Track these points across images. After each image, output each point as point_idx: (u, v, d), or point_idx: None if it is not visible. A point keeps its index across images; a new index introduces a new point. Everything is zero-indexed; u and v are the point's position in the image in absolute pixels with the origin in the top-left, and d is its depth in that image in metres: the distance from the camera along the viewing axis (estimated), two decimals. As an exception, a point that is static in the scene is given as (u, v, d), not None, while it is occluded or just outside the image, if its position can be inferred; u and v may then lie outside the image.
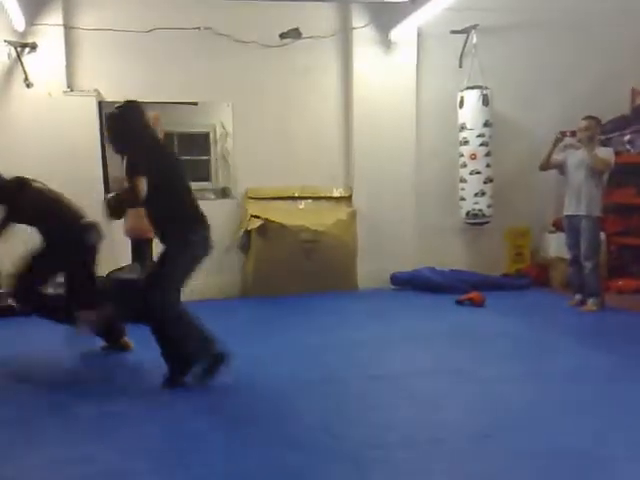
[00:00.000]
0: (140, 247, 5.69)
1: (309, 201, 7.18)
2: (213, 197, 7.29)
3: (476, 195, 7.10)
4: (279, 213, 6.83)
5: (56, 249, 4.44)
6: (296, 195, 7.13)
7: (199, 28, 6.68)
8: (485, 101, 7.01)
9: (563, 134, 6.11)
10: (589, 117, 5.91)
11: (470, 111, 7.06)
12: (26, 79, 6.28)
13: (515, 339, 4.97)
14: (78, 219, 4.58)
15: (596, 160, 5.75)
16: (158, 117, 5.76)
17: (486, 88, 7.03)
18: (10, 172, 6.14)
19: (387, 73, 7.19)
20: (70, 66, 6.50)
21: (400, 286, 7.20)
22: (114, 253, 6.01)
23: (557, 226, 7.05)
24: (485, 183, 7.10)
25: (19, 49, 6.23)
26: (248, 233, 6.73)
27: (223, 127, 7.28)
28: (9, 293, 4.80)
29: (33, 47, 6.30)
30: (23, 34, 6.24)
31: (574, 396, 3.57)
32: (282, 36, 6.94)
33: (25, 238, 4.54)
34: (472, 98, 7.04)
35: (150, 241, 5.69)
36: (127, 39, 6.51)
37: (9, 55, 6.26)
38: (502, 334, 5.14)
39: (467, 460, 2.75)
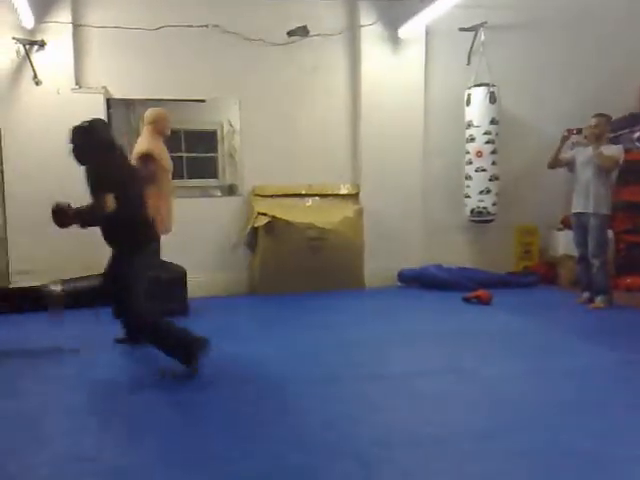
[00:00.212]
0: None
1: (316, 198, 7.18)
2: (220, 194, 7.31)
3: (481, 193, 7.08)
4: (286, 210, 6.83)
5: None
6: (303, 192, 7.12)
7: (207, 26, 6.69)
8: (492, 98, 6.99)
9: (570, 132, 6.08)
10: (599, 115, 5.88)
11: (477, 108, 7.05)
12: (35, 76, 6.30)
13: (521, 337, 4.96)
14: None
15: (601, 158, 5.72)
16: (166, 115, 5.78)
17: (493, 85, 7.01)
18: (18, 168, 6.27)
19: (395, 71, 7.18)
20: (78, 63, 6.51)
21: (407, 284, 7.20)
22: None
23: (565, 224, 7.02)
24: (491, 180, 7.08)
25: (28, 47, 6.25)
26: (255, 230, 6.73)
27: (230, 124, 7.28)
28: None
29: (42, 45, 6.32)
30: (32, 32, 6.25)
31: (579, 395, 3.56)
32: (290, 34, 6.94)
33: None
34: (479, 95, 7.02)
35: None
36: (135, 36, 6.53)
37: (18, 53, 6.27)
38: (508, 332, 5.13)
39: (470, 460, 2.74)
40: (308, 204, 7.13)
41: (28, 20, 6.05)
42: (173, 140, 6.21)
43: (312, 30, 6.96)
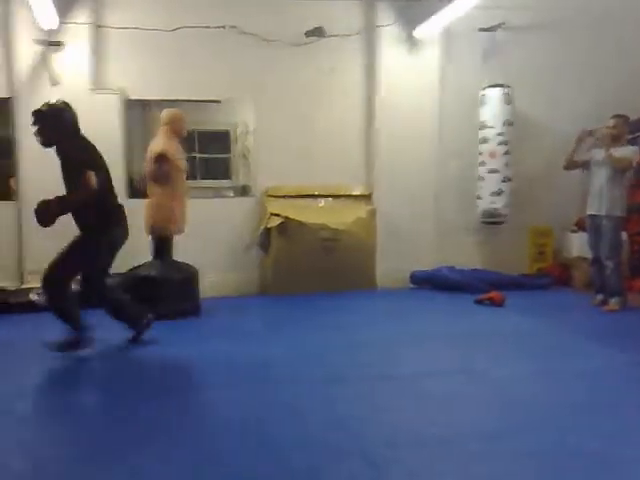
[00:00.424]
0: (161, 244, 5.77)
1: (329, 199, 7.18)
2: (233, 195, 7.35)
3: (493, 194, 7.06)
4: (299, 211, 6.85)
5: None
6: (316, 193, 7.14)
7: (224, 27, 6.72)
8: (507, 99, 6.97)
9: (586, 133, 6.04)
10: (617, 115, 5.85)
11: (491, 109, 7.03)
12: (53, 77, 6.37)
13: (533, 338, 4.94)
14: None
15: (612, 159, 5.68)
16: (182, 116, 5.84)
17: (508, 87, 6.99)
18: (35, 169, 6.35)
19: (410, 71, 7.18)
20: (96, 64, 6.58)
21: (419, 285, 7.19)
22: (133, 250, 6.15)
23: (579, 226, 6.97)
24: (503, 182, 7.06)
25: (47, 47, 6.33)
26: (268, 231, 6.75)
27: (244, 125, 7.32)
28: None
29: (60, 45, 6.39)
30: (51, 33, 6.32)
31: (590, 396, 3.55)
32: (307, 34, 6.95)
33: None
34: (494, 96, 7.00)
35: (170, 238, 5.79)
36: (152, 37, 6.59)
37: (37, 54, 6.35)
38: (520, 333, 5.11)
39: (476, 460, 2.74)
40: (321, 205, 7.14)
41: (47, 21, 6.13)
42: (187, 141, 6.26)
43: (329, 31, 6.98)
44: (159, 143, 5.67)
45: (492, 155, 7.03)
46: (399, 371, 4.10)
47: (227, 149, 7.50)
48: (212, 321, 5.65)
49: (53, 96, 6.30)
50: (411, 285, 7.22)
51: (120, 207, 4.62)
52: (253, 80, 6.97)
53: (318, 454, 2.81)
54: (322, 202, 7.16)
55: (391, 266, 7.12)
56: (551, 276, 7.30)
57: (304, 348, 4.67)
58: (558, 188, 7.36)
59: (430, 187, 7.33)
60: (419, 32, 7.04)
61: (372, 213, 7.09)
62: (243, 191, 7.31)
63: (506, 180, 7.07)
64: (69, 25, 6.42)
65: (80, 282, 4.57)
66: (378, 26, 7.11)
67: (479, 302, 6.21)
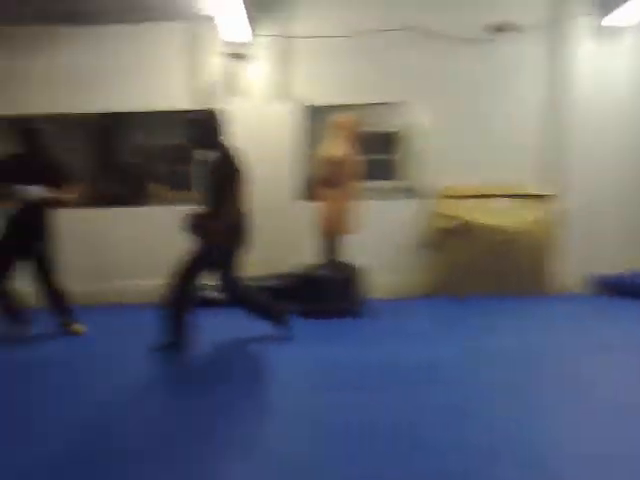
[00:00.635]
0: (330, 245, 5.92)
1: (505, 199, 6.90)
2: (401, 196, 7.32)
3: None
4: (472, 212, 6.69)
5: None
6: (492, 193, 6.88)
7: (401, 29, 6.71)
8: None
9: None
10: None
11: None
12: (240, 88, 6.80)
13: None
14: None
15: None
16: (356, 119, 5.94)
17: None
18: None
19: (606, 65, 6.67)
20: (279, 74, 6.90)
21: (605, 291, 6.64)
22: (303, 250, 6.41)
23: None
24: None
25: (234, 60, 6.78)
26: (439, 232, 6.67)
27: (415, 126, 7.27)
28: None
29: (247, 57, 6.80)
30: (239, 46, 6.76)
31: None
32: (488, 30, 6.74)
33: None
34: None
35: (341, 240, 5.93)
36: (331, 45, 6.76)
37: (226, 66, 6.82)
38: None
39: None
40: (497, 205, 6.87)
41: (234, 35, 6.58)
42: (358, 143, 6.36)
43: (511, 25, 6.71)
44: (332, 146, 5.83)
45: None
46: (572, 381, 3.81)
47: (396, 150, 7.47)
48: (377, 322, 5.63)
49: (239, 107, 6.86)
50: (595, 291, 6.68)
51: (246, 213, 4.68)
52: (426, 79, 6.90)
53: (473, 458, 2.71)
54: (498, 202, 6.89)
55: (572, 270, 6.66)
56: None
57: (473, 351, 4.51)
58: None
59: (628, 188, 6.74)
60: (611, 21, 6.49)
61: (553, 214, 6.68)
62: (412, 192, 7.26)
63: None
64: (255, 38, 6.81)
65: (219, 284, 4.74)
66: (568, 18, 6.67)
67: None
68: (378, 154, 7.29)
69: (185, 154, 7.00)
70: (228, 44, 6.73)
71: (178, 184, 8.37)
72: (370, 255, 6.37)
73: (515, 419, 3.15)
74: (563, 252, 6.64)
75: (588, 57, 6.70)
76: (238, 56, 6.80)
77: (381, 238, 6.77)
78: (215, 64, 6.84)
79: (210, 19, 6.57)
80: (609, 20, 6.50)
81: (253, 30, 6.75)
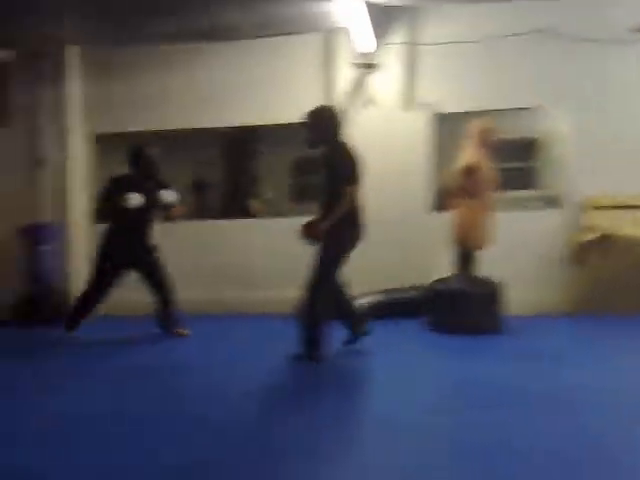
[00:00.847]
0: (465, 258, 5.71)
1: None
2: (541, 206, 6.94)
3: None
4: (621, 223, 6.21)
5: None
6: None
7: (536, 31, 6.37)
8: None
9: None
10: None
11: None
12: (368, 97, 6.73)
13: None
14: None
15: None
16: (491, 126, 5.73)
17: None
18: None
19: None
20: (408, 82, 6.76)
21: None
22: (435, 263, 6.22)
23: None
24: None
25: (364, 70, 6.73)
26: (583, 245, 6.23)
27: (555, 132, 6.88)
28: None
29: (376, 67, 6.72)
30: (368, 55, 6.70)
31: None
32: (632, 31, 6.23)
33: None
34: None
35: (476, 252, 5.68)
36: (461, 50, 6.56)
37: (355, 76, 6.78)
38: None
39: None
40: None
41: (366, 45, 6.55)
42: (494, 151, 6.10)
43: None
44: (468, 155, 5.65)
45: None
46: None
47: (533, 157, 7.11)
48: (514, 340, 5.35)
49: (368, 116, 6.79)
50: None
51: (359, 209, 4.64)
52: (567, 84, 6.51)
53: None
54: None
55: None
56: None
57: (616, 375, 4.11)
58: None
59: None
60: None
61: None
62: (552, 202, 6.84)
63: None
64: (384, 47, 6.73)
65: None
66: None
67: None
68: (516, 162, 6.93)
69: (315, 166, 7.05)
70: (358, 54, 6.69)
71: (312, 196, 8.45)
72: (507, 269, 6.02)
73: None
74: None
75: None
76: (368, 66, 6.75)
77: (519, 251, 6.42)
78: (346, 75, 6.81)
79: (340, 30, 6.58)
80: None
81: (381, 39, 6.68)
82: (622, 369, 4.30)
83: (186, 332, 5.71)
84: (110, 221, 5.56)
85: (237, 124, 7.47)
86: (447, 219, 5.84)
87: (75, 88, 7.23)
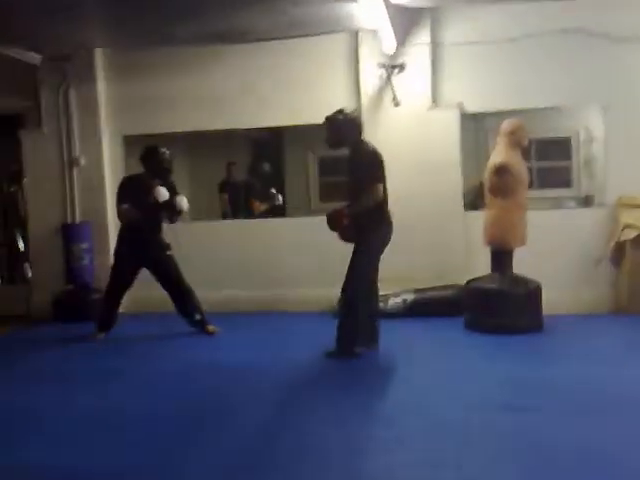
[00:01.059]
0: (500, 257, 5.60)
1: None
2: (575, 205, 6.81)
3: None
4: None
5: None
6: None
7: (567, 30, 6.24)
8: None
9: None
10: None
11: None
12: (394, 98, 6.63)
13: None
14: None
15: None
16: (522, 125, 5.63)
17: None
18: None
19: None
20: (434, 82, 6.67)
21: None
22: (468, 262, 6.15)
23: None
24: None
25: (390, 70, 6.63)
26: (621, 244, 6.08)
27: (588, 131, 6.74)
28: None
29: (402, 67, 6.63)
30: (393, 56, 6.62)
31: None
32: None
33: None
34: None
35: (511, 252, 5.58)
36: (489, 49, 6.46)
37: (381, 77, 6.69)
38: None
39: None
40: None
41: (390, 45, 6.45)
42: (526, 150, 5.98)
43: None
44: (500, 154, 5.60)
45: None
46: None
47: (567, 157, 6.98)
48: (555, 341, 5.30)
49: (394, 117, 6.69)
50: None
51: (388, 208, 4.73)
52: (600, 83, 6.36)
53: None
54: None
55: None
56: None
57: None
58: None
59: None
60: None
61: None
62: (587, 201, 6.71)
63: None
64: (410, 47, 6.63)
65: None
66: None
67: None
68: (552, 161, 6.80)
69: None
70: (384, 55, 6.61)
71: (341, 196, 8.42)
72: (543, 268, 5.92)
73: None
74: None
75: None
76: (394, 66, 6.66)
77: (555, 250, 6.28)
78: (373, 75, 6.73)
79: (366, 31, 6.52)
80: None
81: (407, 39, 6.61)
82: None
83: (215, 329, 5.74)
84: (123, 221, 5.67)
85: (264, 125, 7.45)
86: (481, 218, 5.76)
87: (102, 90, 7.27)
